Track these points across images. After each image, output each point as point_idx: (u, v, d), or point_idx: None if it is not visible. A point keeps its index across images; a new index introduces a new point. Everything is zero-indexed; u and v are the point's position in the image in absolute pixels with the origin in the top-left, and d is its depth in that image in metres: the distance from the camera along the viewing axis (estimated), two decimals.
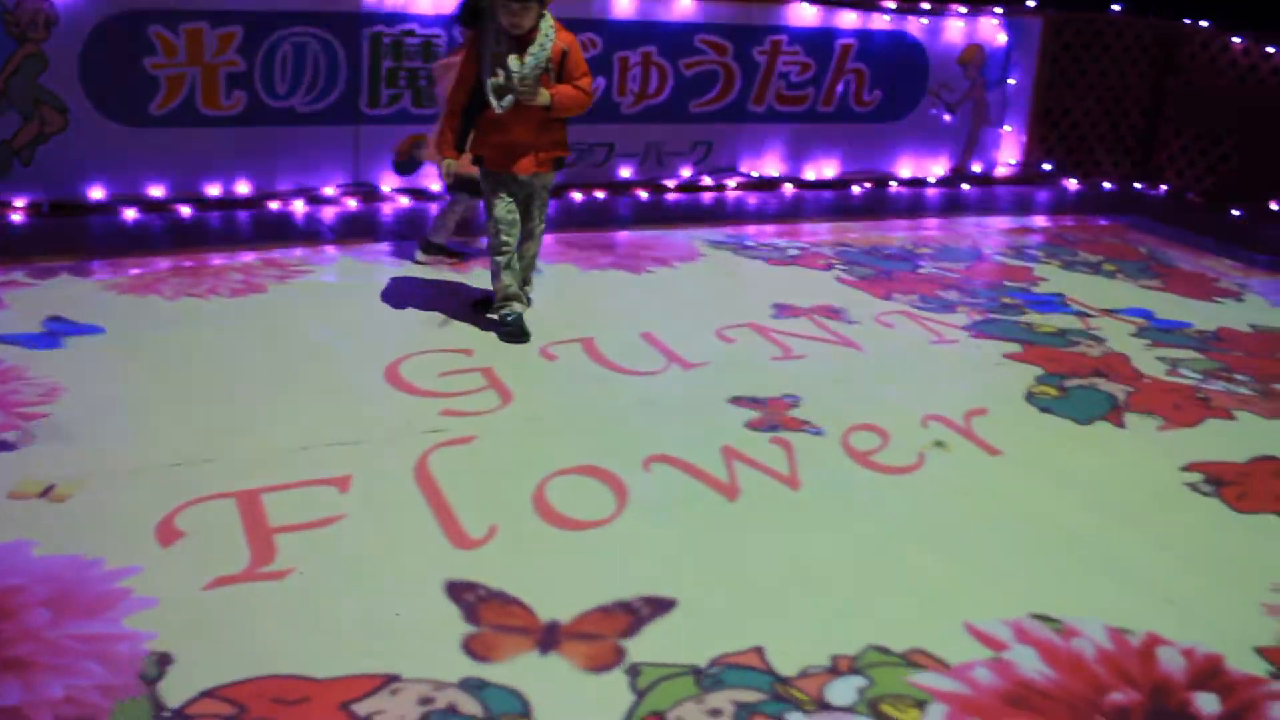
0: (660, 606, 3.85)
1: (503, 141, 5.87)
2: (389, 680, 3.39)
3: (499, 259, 6.06)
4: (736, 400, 5.52)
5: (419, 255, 7.32)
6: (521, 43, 5.68)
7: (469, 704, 3.32)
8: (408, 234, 7.81)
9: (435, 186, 8.57)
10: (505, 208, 5.99)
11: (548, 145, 5.97)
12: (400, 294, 6.63)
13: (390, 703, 3.30)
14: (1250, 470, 5.23)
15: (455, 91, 5.94)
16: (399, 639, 3.59)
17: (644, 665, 3.55)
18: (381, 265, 7.14)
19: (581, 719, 3.33)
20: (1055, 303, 7.43)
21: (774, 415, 5.38)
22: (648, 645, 3.65)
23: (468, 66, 5.88)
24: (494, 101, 5.70)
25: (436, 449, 4.82)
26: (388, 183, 8.60)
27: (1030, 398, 5.86)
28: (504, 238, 6.02)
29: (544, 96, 5.74)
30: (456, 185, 6.98)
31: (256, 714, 3.21)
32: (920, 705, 3.45)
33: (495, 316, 6.18)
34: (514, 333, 6.05)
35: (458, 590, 3.85)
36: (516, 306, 6.15)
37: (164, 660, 3.39)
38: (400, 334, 6.03)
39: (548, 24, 5.74)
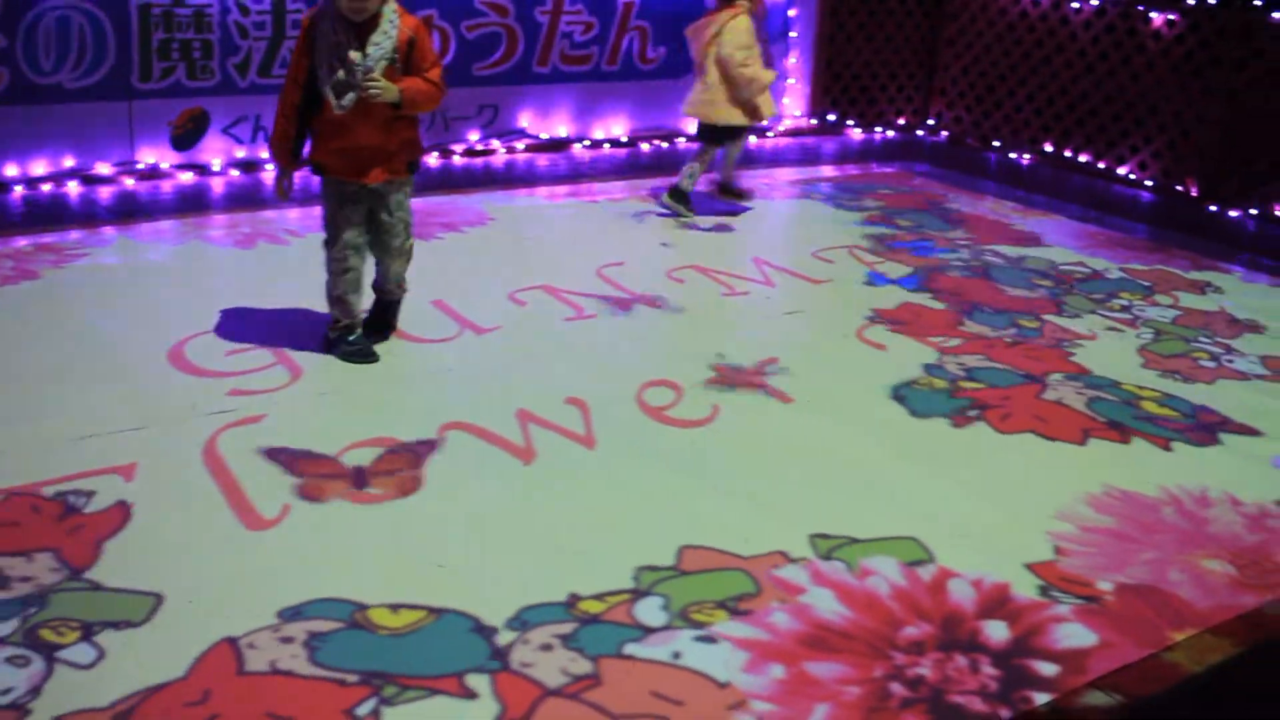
0: (457, 576, 3.83)
1: (346, 146, 5.15)
2: None
3: (339, 286, 5.37)
4: (530, 363, 5.50)
5: (664, 198, 8.16)
6: (362, 30, 4.98)
7: None
8: (188, 210, 7.58)
9: (217, 163, 8.35)
10: (352, 230, 5.31)
11: (399, 148, 5.25)
12: (182, 274, 6.45)
13: None
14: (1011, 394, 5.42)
15: (286, 89, 5.17)
16: (167, 629, 3.50)
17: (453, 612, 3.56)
18: (161, 245, 6.92)
19: None
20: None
21: (569, 375, 5.38)
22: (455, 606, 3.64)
23: (299, 59, 5.09)
24: (333, 100, 5.00)
25: (225, 430, 4.70)
26: (166, 159, 8.34)
27: (823, 347, 5.97)
28: (349, 263, 5.34)
29: (392, 92, 5.03)
30: (700, 134, 8.04)
31: None
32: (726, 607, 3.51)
33: (334, 335, 5.48)
34: (358, 353, 5.43)
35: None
36: (358, 330, 5.51)
37: None
38: (183, 314, 5.83)
39: (391, 9, 5.05)
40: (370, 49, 4.97)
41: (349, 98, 4.98)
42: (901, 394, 5.43)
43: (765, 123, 8.39)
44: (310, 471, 4.42)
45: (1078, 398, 5.46)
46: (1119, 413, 5.32)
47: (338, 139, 5.15)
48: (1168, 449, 5.05)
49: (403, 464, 4.50)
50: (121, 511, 4.06)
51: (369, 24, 4.99)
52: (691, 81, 8.14)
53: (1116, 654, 3.64)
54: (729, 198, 8.49)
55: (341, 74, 4.97)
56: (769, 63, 9.49)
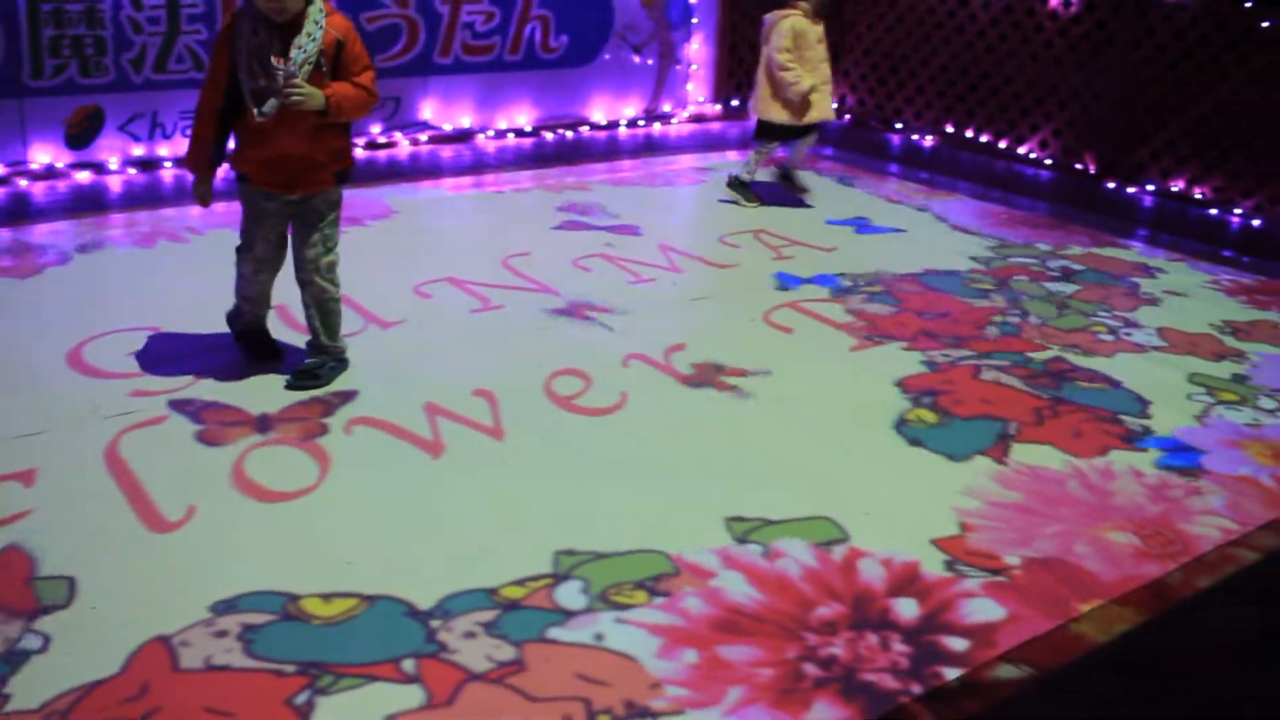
0: (378, 568, 3.80)
1: (268, 156, 4.80)
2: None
3: (245, 293, 5.18)
4: (437, 355, 5.47)
5: (728, 189, 8.34)
6: (286, 31, 4.63)
7: None
8: (85, 210, 7.44)
9: (114, 162, 8.21)
10: (267, 244, 5.01)
11: (326, 157, 4.89)
12: (80, 275, 6.32)
13: None
14: (954, 376, 5.46)
15: (205, 92, 4.83)
16: (91, 634, 3.44)
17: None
18: (57, 246, 6.77)
19: None
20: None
21: (476, 367, 5.35)
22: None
23: (219, 61, 4.73)
24: (253, 108, 4.65)
25: (127, 432, 4.62)
26: (61, 158, 8.17)
27: (731, 331, 5.98)
28: (258, 278, 5.10)
29: (317, 99, 4.65)
30: (761, 132, 8.19)
31: None
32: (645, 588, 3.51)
33: (236, 328, 5.34)
34: (310, 374, 5.10)
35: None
36: (256, 332, 5.30)
37: None
38: (82, 316, 5.71)
39: (318, 8, 4.68)
40: (293, 52, 4.61)
41: (270, 104, 4.63)
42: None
43: (820, 122, 8.35)
44: (212, 473, 4.37)
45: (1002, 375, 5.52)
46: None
47: (260, 148, 4.81)
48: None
49: (308, 462, 4.46)
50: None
51: (293, 25, 4.64)
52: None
53: (1025, 627, 3.68)
54: (786, 185, 8.49)
55: (263, 81, 4.63)
56: (671, 51, 9.55)
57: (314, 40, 4.65)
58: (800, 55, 7.94)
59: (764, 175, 8.49)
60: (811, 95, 8.01)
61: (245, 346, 5.33)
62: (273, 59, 4.59)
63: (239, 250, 5.10)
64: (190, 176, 5.04)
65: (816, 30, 8.01)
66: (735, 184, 8.33)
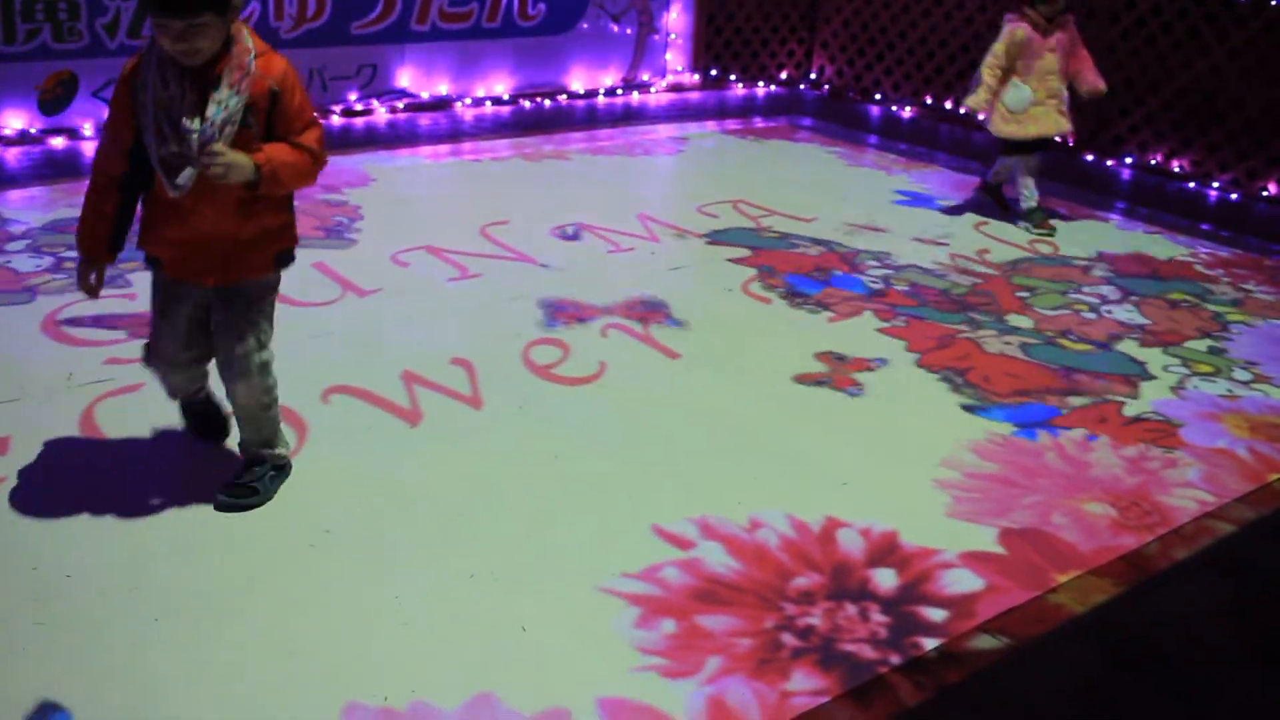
0: (353, 536, 3.79)
1: (184, 237, 3.70)
2: None
3: (171, 392, 4.20)
4: (414, 324, 5.44)
5: (980, 191, 7.94)
6: (202, 80, 3.51)
7: None
8: (59, 177, 7.37)
9: (88, 128, 8.14)
10: (176, 343, 3.93)
11: (258, 238, 3.77)
12: (54, 241, 6.26)
13: None
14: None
15: (102, 157, 3.70)
16: (69, 602, 3.42)
17: None
18: (31, 212, 6.70)
19: None
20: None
21: (454, 336, 5.33)
22: (335, 580, 3.59)
23: (120, 117, 3.62)
24: (165, 181, 3.55)
25: (102, 399, 4.59)
26: (34, 124, 8.10)
27: (708, 300, 5.97)
28: (179, 382, 4.11)
29: (245, 168, 3.53)
30: (1007, 149, 7.56)
31: None
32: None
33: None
34: (246, 489, 3.98)
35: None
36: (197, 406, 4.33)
37: None
38: (56, 283, 5.67)
39: (244, 48, 3.57)
40: (211, 109, 3.49)
41: (185, 175, 3.52)
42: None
43: (1045, 140, 7.59)
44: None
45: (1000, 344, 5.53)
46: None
47: (174, 227, 3.69)
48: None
49: (285, 431, 4.43)
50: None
51: (210, 71, 3.51)
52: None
53: (1003, 598, 3.69)
54: (987, 195, 7.91)
55: (174, 144, 3.51)
56: (650, 20, 9.45)
57: (237, 94, 3.53)
58: (1026, 64, 7.28)
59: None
60: (1033, 109, 7.35)
61: (185, 418, 4.38)
62: (184, 119, 3.50)
63: (145, 350, 4.10)
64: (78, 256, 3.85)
65: (1049, 42, 7.28)
66: (986, 188, 7.88)
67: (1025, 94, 7.32)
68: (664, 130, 9.74)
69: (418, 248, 6.44)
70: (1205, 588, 3.91)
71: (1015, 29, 7.29)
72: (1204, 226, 7.88)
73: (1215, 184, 8.77)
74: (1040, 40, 7.27)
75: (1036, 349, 5.56)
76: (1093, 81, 7.46)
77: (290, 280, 5.58)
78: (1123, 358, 5.52)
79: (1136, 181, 8.94)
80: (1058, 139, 8.16)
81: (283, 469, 4.10)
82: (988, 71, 7.36)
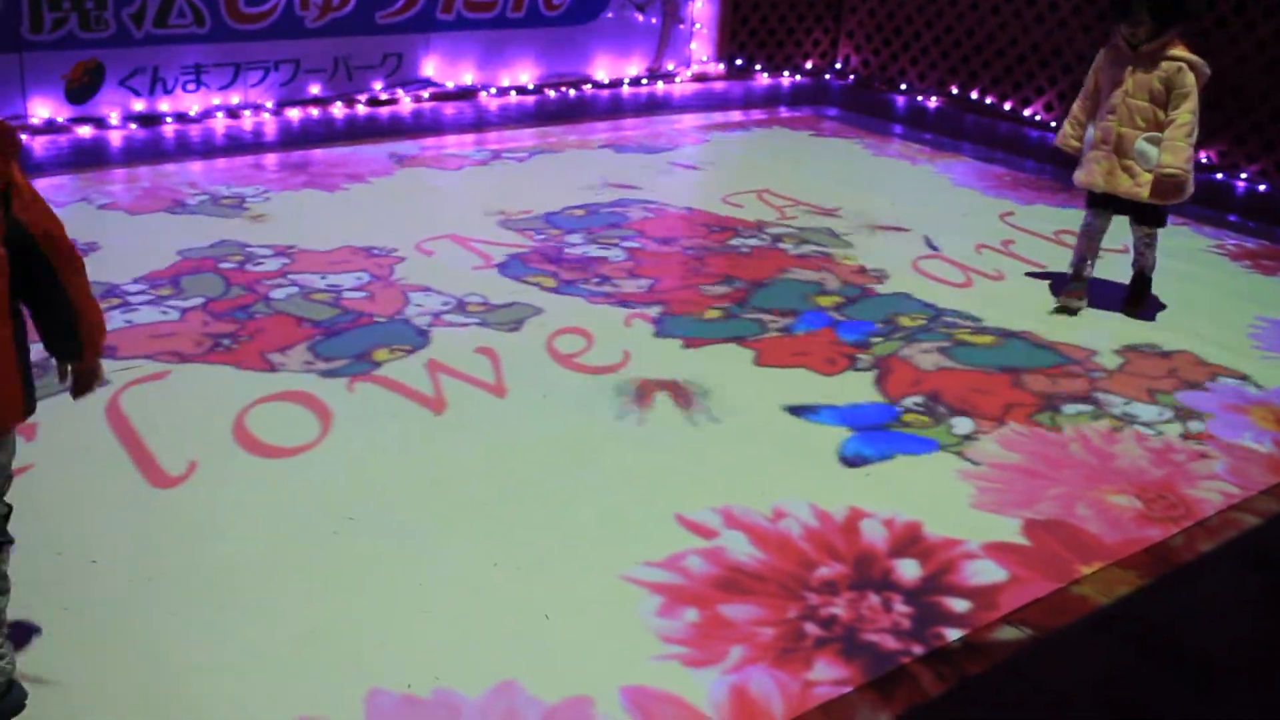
0: (376, 523, 3.80)
1: None
2: None
3: None
4: (438, 313, 5.45)
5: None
6: None
7: None
8: (86, 165, 7.40)
9: (114, 117, 8.17)
10: None
11: None
12: (82, 229, 6.27)
13: None
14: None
15: None
16: (93, 587, 3.44)
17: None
18: (58, 200, 6.72)
19: None
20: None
21: (480, 323, 5.33)
22: (359, 567, 3.60)
23: None
24: None
25: (128, 387, 4.60)
26: (61, 113, 8.13)
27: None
28: None
29: None
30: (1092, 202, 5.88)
31: None
32: None
33: None
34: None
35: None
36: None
37: None
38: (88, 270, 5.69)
39: None
40: None
41: None
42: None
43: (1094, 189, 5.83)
44: (213, 428, 4.34)
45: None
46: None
47: None
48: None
49: (309, 419, 4.45)
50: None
51: None
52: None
53: (1027, 589, 3.68)
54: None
55: None
56: (675, 9, 9.35)
57: None
58: (1100, 98, 5.80)
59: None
60: (1089, 152, 5.80)
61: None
62: None
63: None
64: None
65: (1141, 77, 5.59)
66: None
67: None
68: (688, 120, 9.72)
69: (442, 236, 6.44)
70: (1230, 581, 3.90)
71: (1100, 53, 5.87)
72: (1231, 218, 7.84)
73: (1243, 175, 8.72)
74: (1120, 67, 5.69)
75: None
76: None
77: (315, 267, 5.63)
78: None
79: None
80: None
81: (12, 689, 2.89)
82: (1080, 102, 5.97)
